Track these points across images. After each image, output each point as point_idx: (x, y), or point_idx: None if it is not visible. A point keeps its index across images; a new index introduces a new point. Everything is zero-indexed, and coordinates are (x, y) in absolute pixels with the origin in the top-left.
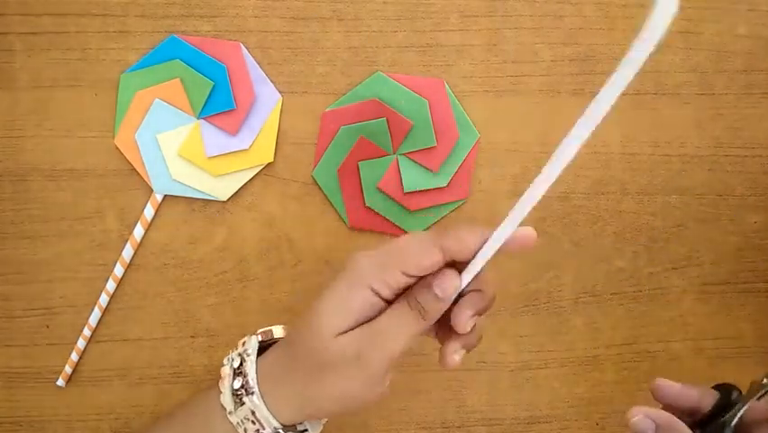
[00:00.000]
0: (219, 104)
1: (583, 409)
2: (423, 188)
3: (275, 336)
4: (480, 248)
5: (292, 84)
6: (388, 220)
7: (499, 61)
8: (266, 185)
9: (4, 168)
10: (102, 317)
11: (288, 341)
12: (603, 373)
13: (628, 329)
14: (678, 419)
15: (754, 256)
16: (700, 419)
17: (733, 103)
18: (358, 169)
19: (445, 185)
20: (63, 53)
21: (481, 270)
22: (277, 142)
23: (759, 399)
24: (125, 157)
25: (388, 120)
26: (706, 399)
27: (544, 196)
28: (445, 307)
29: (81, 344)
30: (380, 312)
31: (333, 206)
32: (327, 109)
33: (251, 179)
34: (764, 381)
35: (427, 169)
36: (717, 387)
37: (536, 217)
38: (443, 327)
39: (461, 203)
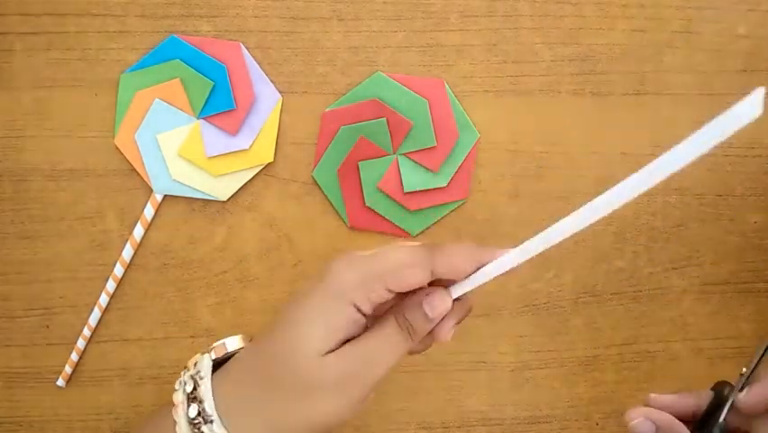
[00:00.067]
0: (219, 104)
1: (583, 409)
2: (423, 188)
3: (230, 350)
4: (472, 273)
5: (292, 84)
6: (387, 220)
7: (499, 61)
8: (266, 185)
9: (4, 168)
10: (102, 317)
11: (257, 358)
12: (603, 373)
13: (628, 329)
14: (678, 421)
15: (754, 256)
16: (699, 420)
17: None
18: (358, 169)
19: (445, 185)
20: (63, 53)
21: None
22: (277, 143)
23: (741, 389)
24: (125, 157)
25: (388, 120)
26: (704, 401)
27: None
28: (432, 325)
29: (81, 344)
30: (361, 328)
31: (333, 206)
32: (327, 109)
33: (251, 179)
34: (743, 370)
35: (427, 169)
36: (713, 387)
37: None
38: None
39: (461, 203)
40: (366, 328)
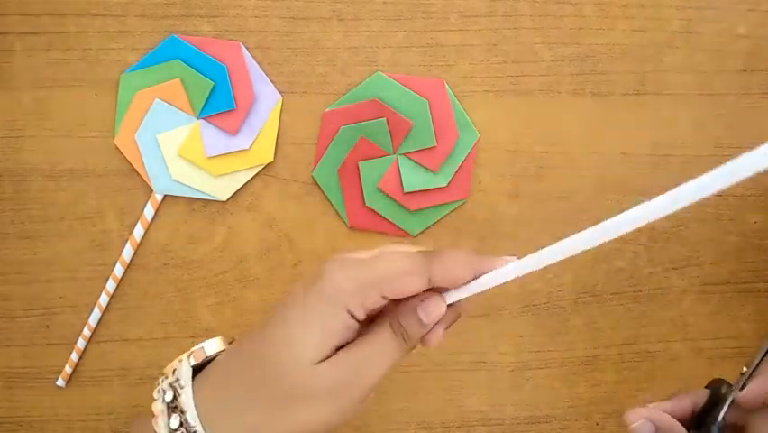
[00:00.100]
0: (219, 104)
1: (583, 409)
2: (423, 188)
3: (209, 354)
4: (469, 282)
5: (292, 84)
6: (387, 220)
7: (499, 61)
8: (266, 185)
9: (4, 168)
10: (102, 317)
11: (240, 359)
12: (603, 373)
13: (628, 329)
14: (678, 422)
15: (754, 256)
16: (696, 418)
17: (733, 103)
18: (358, 169)
19: (445, 185)
20: (63, 53)
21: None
22: (277, 143)
23: (742, 388)
24: (125, 157)
25: (388, 120)
26: (700, 399)
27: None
28: (426, 331)
29: (81, 344)
30: (354, 333)
31: (333, 206)
32: (327, 109)
33: (251, 179)
34: (744, 369)
35: (427, 169)
36: (708, 385)
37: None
38: None
39: (461, 203)
40: (358, 333)
